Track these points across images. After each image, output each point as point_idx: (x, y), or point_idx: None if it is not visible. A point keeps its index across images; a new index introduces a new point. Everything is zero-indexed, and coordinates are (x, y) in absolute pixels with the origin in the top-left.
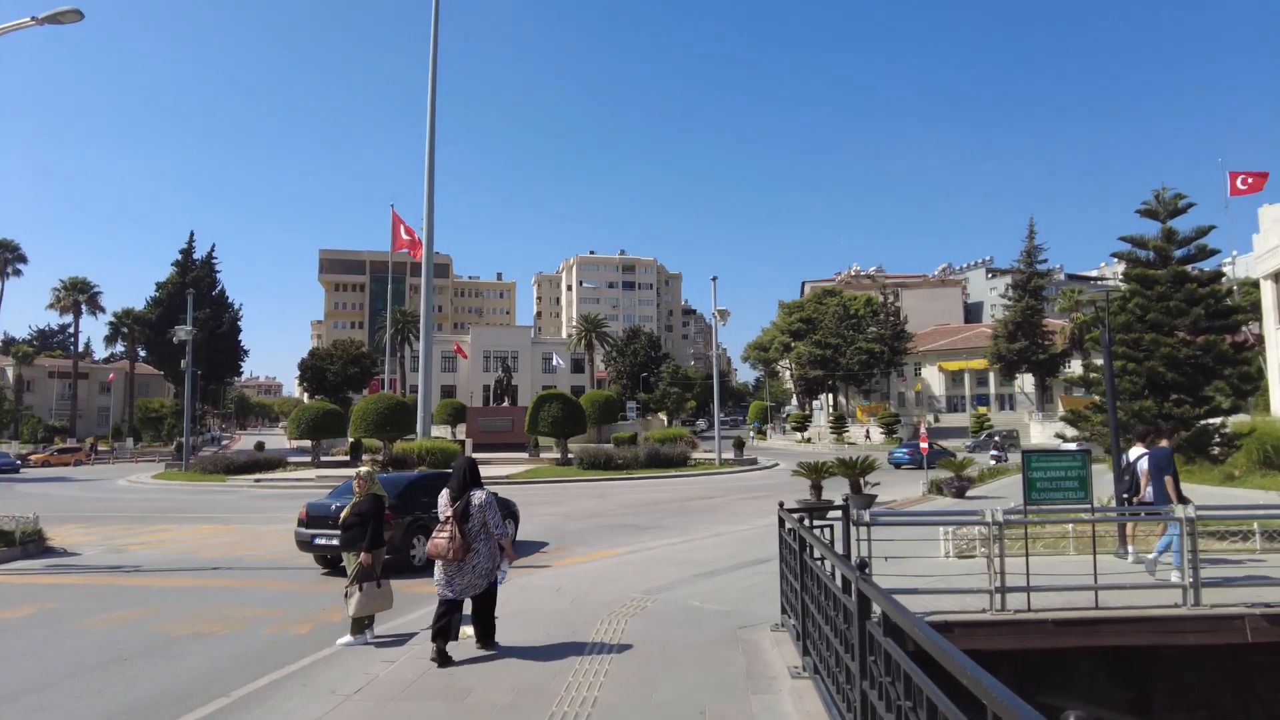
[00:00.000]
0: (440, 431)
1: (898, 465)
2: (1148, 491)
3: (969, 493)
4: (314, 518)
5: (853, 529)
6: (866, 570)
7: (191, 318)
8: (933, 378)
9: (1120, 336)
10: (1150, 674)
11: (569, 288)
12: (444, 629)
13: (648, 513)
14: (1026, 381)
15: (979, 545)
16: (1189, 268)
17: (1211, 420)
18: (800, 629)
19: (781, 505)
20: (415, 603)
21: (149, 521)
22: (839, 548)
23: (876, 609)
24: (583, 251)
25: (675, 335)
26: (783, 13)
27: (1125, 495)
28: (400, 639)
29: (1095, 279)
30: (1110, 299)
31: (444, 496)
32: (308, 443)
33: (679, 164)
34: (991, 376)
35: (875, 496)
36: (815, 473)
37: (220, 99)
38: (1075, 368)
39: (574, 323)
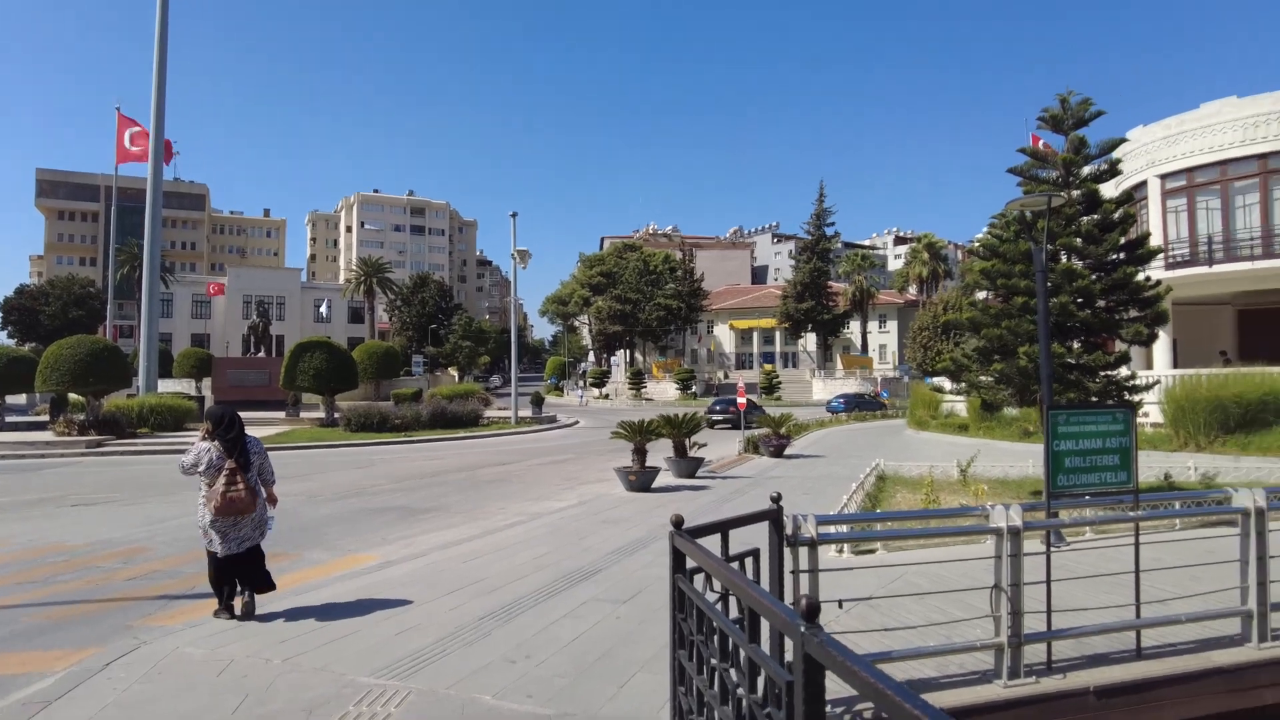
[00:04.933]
0: (183, 386)
1: (834, 413)
2: None
3: (787, 451)
4: (712, 411)
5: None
6: None
7: None
8: (724, 335)
9: (1019, 269)
10: None
11: (349, 229)
12: (226, 588)
13: (425, 487)
14: (810, 341)
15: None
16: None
17: (1116, 371)
18: None
19: (678, 527)
20: None
21: None
22: (765, 582)
23: None
24: (366, 191)
25: (469, 287)
26: None
27: None
28: None
29: (869, 248)
30: (1029, 213)
31: (213, 450)
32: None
33: (474, 109)
34: (778, 335)
35: (702, 460)
36: (639, 434)
37: None
38: (854, 329)
39: (353, 267)
